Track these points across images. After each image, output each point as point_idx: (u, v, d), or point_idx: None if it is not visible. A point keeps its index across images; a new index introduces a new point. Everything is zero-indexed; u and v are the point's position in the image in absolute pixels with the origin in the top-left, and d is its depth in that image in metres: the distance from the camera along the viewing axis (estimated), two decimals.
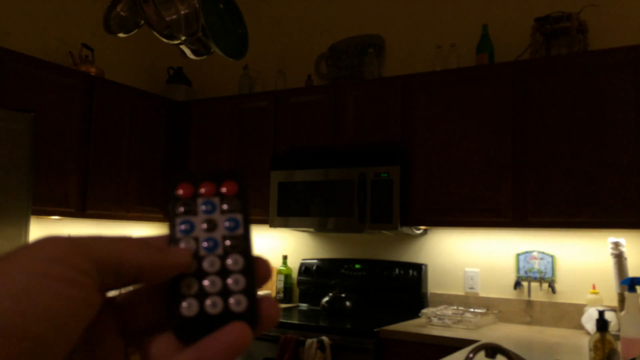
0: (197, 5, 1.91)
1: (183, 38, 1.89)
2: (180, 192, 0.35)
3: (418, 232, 3.34)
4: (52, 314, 0.27)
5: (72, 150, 3.29)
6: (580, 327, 2.86)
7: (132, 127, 3.66)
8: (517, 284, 3.11)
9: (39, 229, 3.39)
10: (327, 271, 3.55)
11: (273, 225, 3.42)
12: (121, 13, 2.00)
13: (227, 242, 0.34)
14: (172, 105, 3.95)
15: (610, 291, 2.82)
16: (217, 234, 0.34)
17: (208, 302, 0.32)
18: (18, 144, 2.72)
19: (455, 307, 3.14)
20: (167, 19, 1.86)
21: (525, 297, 3.10)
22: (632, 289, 1.88)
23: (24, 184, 2.74)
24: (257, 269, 0.34)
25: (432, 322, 2.89)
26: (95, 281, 0.30)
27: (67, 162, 3.26)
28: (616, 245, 2.68)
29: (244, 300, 0.32)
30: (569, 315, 2.98)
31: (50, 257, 0.29)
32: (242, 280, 0.33)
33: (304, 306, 3.60)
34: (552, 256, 3.05)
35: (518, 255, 3.14)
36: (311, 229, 3.48)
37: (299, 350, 2.81)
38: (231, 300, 0.32)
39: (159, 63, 4.27)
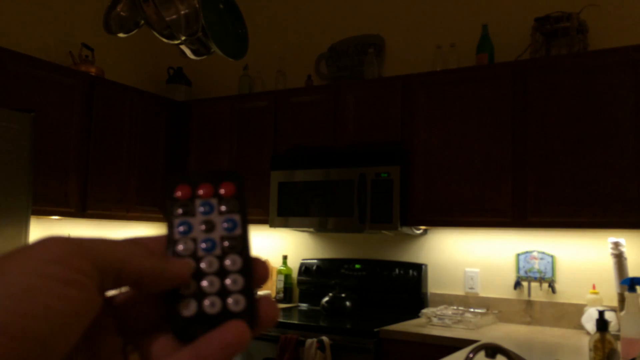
0: (197, 5, 1.91)
1: (183, 38, 1.89)
2: (179, 193, 0.35)
3: (418, 232, 3.34)
4: (53, 315, 0.28)
5: (72, 150, 3.29)
6: (580, 327, 2.86)
7: (132, 127, 3.66)
8: (517, 284, 3.11)
9: (39, 229, 3.39)
10: (327, 271, 3.55)
11: (273, 225, 3.42)
12: (121, 13, 2.00)
13: (225, 243, 0.34)
14: (172, 105, 3.95)
15: (610, 291, 2.82)
16: (215, 235, 0.34)
17: (206, 302, 0.32)
18: (18, 144, 2.72)
19: (455, 307, 3.14)
20: (167, 19, 1.86)
21: (525, 297, 3.10)
22: (632, 289, 1.88)
23: (24, 184, 2.74)
24: (255, 269, 0.34)
25: (432, 322, 2.89)
26: (96, 283, 0.30)
27: (67, 162, 3.26)
28: (616, 245, 2.68)
29: (242, 300, 0.33)
30: (569, 315, 2.98)
31: (52, 257, 0.29)
32: (240, 280, 0.33)
33: (304, 306, 3.60)
34: (552, 256, 3.05)
35: (518, 255, 3.14)
36: (311, 229, 3.48)
37: (299, 350, 2.81)
38: (229, 300, 0.33)
39: (159, 63, 4.27)
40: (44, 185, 3.10)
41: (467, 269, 3.28)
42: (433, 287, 3.37)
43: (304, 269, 3.64)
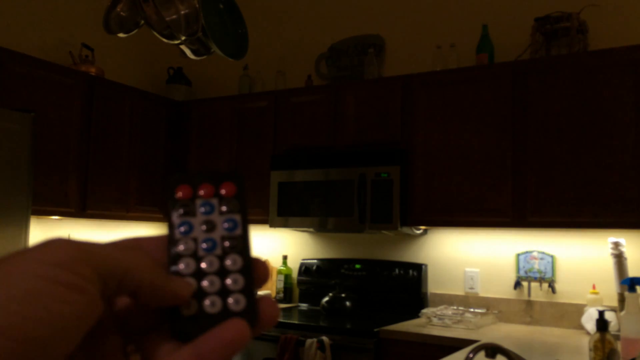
0: (197, 5, 1.91)
1: (183, 38, 1.89)
2: (179, 193, 0.35)
3: (418, 232, 3.34)
4: (56, 318, 0.28)
5: (72, 150, 3.29)
6: (580, 327, 2.86)
7: (132, 127, 3.66)
8: (517, 284, 3.11)
9: (39, 229, 3.39)
10: (327, 271, 3.55)
11: (273, 225, 3.42)
12: (121, 13, 2.00)
13: (226, 243, 0.34)
14: (172, 105, 3.95)
15: (610, 291, 2.82)
16: (216, 235, 0.34)
17: (207, 301, 0.33)
18: (18, 144, 2.72)
19: (455, 307, 3.14)
20: (167, 19, 1.86)
21: (525, 297, 3.10)
22: (632, 289, 1.88)
23: (24, 184, 2.74)
24: (255, 269, 0.34)
25: (432, 322, 2.89)
26: (98, 289, 0.30)
27: (67, 162, 3.26)
28: (616, 245, 2.68)
29: (242, 300, 0.33)
30: (569, 315, 2.98)
31: (55, 261, 0.29)
32: (240, 279, 0.33)
33: (304, 306, 3.60)
34: (552, 256, 3.05)
35: (518, 255, 3.14)
36: (311, 229, 3.48)
37: (299, 350, 2.81)
38: (230, 300, 0.33)
39: (159, 63, 4.27)
40: (44, 185, 3.10)
41: (467, 269, 3.28)
42: (433, 287, 3.37)
43: (304, 269, 3.64)
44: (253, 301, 0.33)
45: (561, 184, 2.78)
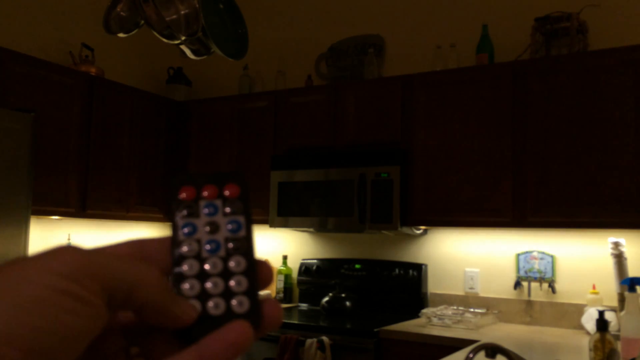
0: (197, 5, 1.91)
1: (183, 38, 1.89)
2: (183, 195, 0.35)
3: (418, 232, 3.34)
4: (62, 328, 0.27)
5: (72, 150, 3.29)
6: (580, 327, 2.86)
7: (132, 127, 3.66)
8: (517, 284, 3.11)
9: (39, 229, 3.39)
10: (327, 271, 3.55)
11: (273, 225, 3.42)
12: (121, 13, 2.00)
13: (230, 244, 0.34)
14: (172, 105, 3.95)
15: (610, 291, 2.82)
16: (220, 236, 0.34)
17: (210, 303, 0.33)
18: (18, 144, 2.72)
19: (455, 307, 3.14)
20: (167, 19, 1.86)
21: (525, 297, 3.11)
22: (632, 289, 1.88)
23: (24, 184, 2.74)
24: (259, 271, 0.34)
25: (432, 322, 2.89)
26: (104, 302, 0.30)
27: (67, 162, 3.26)
28: (616, 245, 2.68)
29: (246, 302, 0.33)
30: (569, 315, 2.98)
31: (64, 272, 0.28)
32: (244, 281, 0.33)
33: (304, 306, 3.60)
34: (552, 256, 3.06)
35: (518, 255, 3.14)
36: (311, 229, 3.48)
37: (299, 350, 2.81)
38: (233, 302, 0.33)
39: (159, 63, 4.27)
40: (44, 185, 3.10)
41: (467, 269, 3.28)
42: (433, 287, 3.37)
43: (304, 269, 3.64)
44: (257, 303, 0.33)
45: (561, 184, 2.78)
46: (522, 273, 3.11)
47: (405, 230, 3.20)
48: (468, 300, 3.24)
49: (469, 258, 3.29)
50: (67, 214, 3.28)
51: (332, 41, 3.84)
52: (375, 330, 2.78)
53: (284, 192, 3.39)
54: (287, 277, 3.71)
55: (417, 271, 3.31)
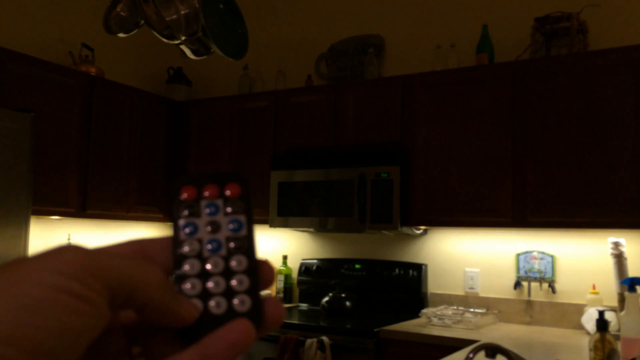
0: (197, 5, 1.91)
1: (183, 38, 1.89)
2: (184, 194, 0.35)
3: (418, 232, 3.34)
4: (65, 329, 0.27)
5: (72, 150, 3.29)
6: (580, 327, 2.86)
7: (132, 127, 3.66)
8: (517, 284, 3.11)
9: (39, 229, 3.39)
10: (327, 271, 3.55)
11: (273, 225, 3.42)
12: (121, 13, 2.00)
13: (231, 244, 0.34)
14: (172, 105, 3.95)
15: (610, 291, 2.82)
16: (221, 236, 0.34)
17: (212, 302, 0.33)
18: (18, 144, 2.72)
19: (455, 307, 3.14)
20: (167, 19, 1.86)
21: (525, 297, 3.11)
22: (632, 289, 1.88)
23: (24, 184, 2.74)
24: (261, 270, 0.34)
25: (432, 322, 2.89)
26: (107, 301, 0.30)
27: (67, 162, 3.26)
28: (616, 245, 2.68)
29: (248, 301, 0.33)
30: (569, 315, 2.98)
31: (67, 271, 0.28)
32: (246, 280, 0.33)
33: (304, 306, 3.60)
34: (552, 256, 3.06)
35: (518, 255, 3.14)
36: (311, 229, 3.48)
37: (299, 350, 2.81)
38: (235, 301, 0.33)
39: (159, 63, 4.27)
40: (44, 185, 3.10)
41: (467, 269, 3.28)
42: (433, 287, 3.37)
43: (304, 269, 3.64)
44: (258, 302, 0.33)
45: (561, 183, 2.78)
46: (522, 273, 3.11)
47: (405, 230, 3.20)
48: (468, 300, 3.24)
49: (469, 258, 3.29)
50: (67, 214, 3.28)
51: (332, 41, 3.84)
52: (375, 330, 2.78)
53: (284, 192, 3.39)
54: (287, 277, 3.71)
55: (417, 271, 3.31)
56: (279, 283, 3.70)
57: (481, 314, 2.97)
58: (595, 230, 2.91)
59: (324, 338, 2.77)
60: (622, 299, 2.55)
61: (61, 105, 3.23)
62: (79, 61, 3.49)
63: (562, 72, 2.83)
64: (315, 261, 3.62)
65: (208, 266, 0.33)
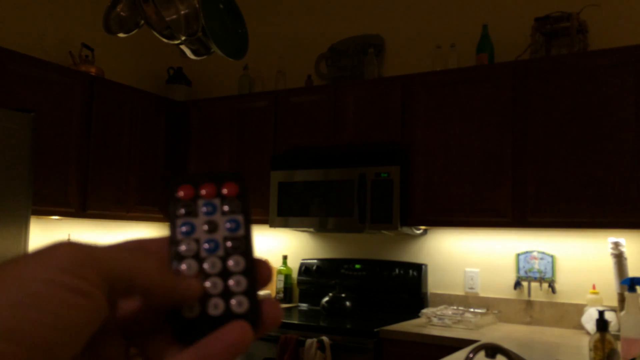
0: (197, 5, 1.91)
1: (183, 38, 1.89)
2: (181, 193, 0.35)
3: (418, 232, 3.34)
4: (64, 324, 0.27)
5: (72, 150, 3.29)
6: (580, 327, 2.86)
7: (132, 127, 3.66)
8: (517, 284, 3.11)
9: (39, 229, 3.39)
10: (327, 271, 3.55)
11: (273, 225, 3.42)
12: (121, 13, 2.00)
13: (228, 244, 0.34)
14: (172, 105, 3.95)
15: (610, 291, 2.82)
16: (218, 235, 0.34)
17: (209, 303, 0.32)
18: (18, 144, 2.72)
19: (455, 307, 3.14)
20: (167, 19, 1.86)
21: (525, 297, 3.10)
22: (632, 289, 1.88)
23: (24, 184, 2.74)
24: (258, 271, 0.34)
25: (432, 322, 2.89)
26: (105, 293, 0.30)
27: (67, 162, 3.26)
28: (616, 245, 2.68)
29: (245, 301, 0.32)
30: (569, 315, 2.98)
31: (64, 266, 0.28)
32: (243, 281, 0.33)
33: (304, 306, 3.60)
34: (552, 256, 3.05)
35: (518, 255, 3.14)
36: (311, 229, 3.48)
37: (299, 350, 2.81)
38: (233, 302, 0.32)
39: (159, 63, 4.27)
40: (44, 185, 3.10)
41: (467, 269, 3.28)
42: (433, 287, 3.37)
43: (304, 269, 3.64)
44: (256, 303, 0.33)
45: (561, 183, 2.78)
46: (522, 273, 3.11)
47: (405, 230, 3.20)
48: (468, 300, 3.24)
49: (469, 258, 3.29)
50: (67, 214, 3.28)
51: (332, 41, 3.84)
52: (375, 330, 2.78)
53: (284, 192, 3.39)
54: (287, 277, 3.71)
55: (417, 271, 3.31)
56: (279, 283, 3.70)
57: (481, 314, 2.97)
58: (595, 230, 2.91)
59: (324, 338, 2.77)
60: (622, 299, 2.55)
61: (61, 105, 3.23)
62: (79, 61, 3.49)
63: (562, 72, 2.83)
64: (315, 261, 3.62)
65: (205, 266, 0.33)
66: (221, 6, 2.08)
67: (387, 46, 3.69)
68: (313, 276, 3.59)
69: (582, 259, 3.00)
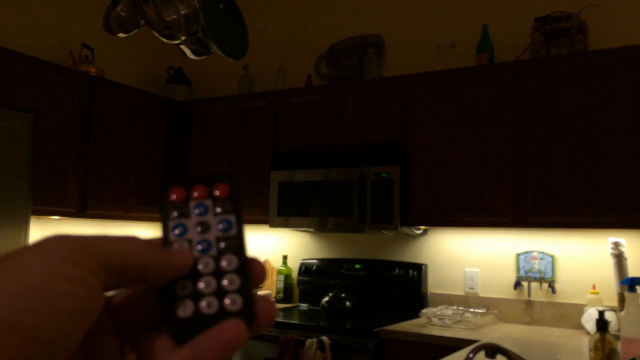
0: (197, 5, 1.91)
1: (183, 38, 1.89)
2: (173, 196, 0.35)
3: (418, 232, 3.34)
4: (64, 314, 0.28)
5: (72, 150, 3.29)
6: (580, 327, 2.86)
7: (132, 127, 3.66)
8: (517, 284, 3.11)
9: (39, 229, 3.39)
10: (327, 271, 3.55)
11: (273, 225, 3.42)
12: (121, 13, 2.00)
13: (221, 244, 0.34)
14: (172, 105, 3.95)
15: (610, 291, 2.82)
16: (211, 236, 0.34)
17: (203, 302, 0.33)
18: (18, 144, 2.72)
19: (455, 307, 3.14)
20: (167, 19, 1.86)
21: (525, 297, 3.10)
22: (632, 289, 1.88)
23: (24, 184, 2.74)
24: (252, 269, 0.34)
25: (432, 322, 2.89)
26: (102, 280, 0.30)
27: (67, 162, 3.26)
28: (616, 245, 2.68)
29: (239, 300, 0.33)
30: (569, 315, 2.97)
31: (59, 256, 0.29)
32: (236, 279, 0.33)
33: (304, 306, 3.60)
34: (552, 256, 3.05)
35: (518, 255, 3.14)
36: (311, 229, 3.48)
37: (299, 350, 2.81)
38: (226, 300, 0.33)
39: (159, 63, 4.27)
40: (44, 185, 3.10)
41: (467, 269, 3.28)
42: (433, 287, 3.37)
43: (304, 269, 3.64)
44: (250, 301, 0.33)
45: (561, 183, 2.78)
46: (522, 273, 3.11)
47: (405, 230, 3.20)
48: (468, 300, 3.24)
49: (469, 258, 3.29)
50: (67, 214, 3.28)
51: (332, 41, 3.84)
52: (375, 330, 2.78)
53: (284, 192, 3.39)
54: (287, 277, 3.71)
55: (417, 271, 3.31)
56: (279, 283, 3.70)
57: (481, 314, 2.97)
58: (595, 230, 2.91)
59: (324, 338, 2.77)
60: (622, 299, 2.55)
61: (61, 105, 3.24)
62: (79, 61, 3.49)
63: (562, 72, 2.83)
64: (315, 261, 3.62)
65: (198, 266, 0.33)
66: (221, 6, 2.07)
67: (387, 46, 3.69)
68: (313, 276, 3.59)
69: (582, 259, 3.00)
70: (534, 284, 3.09)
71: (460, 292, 3.30)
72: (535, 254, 3.09)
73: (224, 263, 0.34)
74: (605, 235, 2.87)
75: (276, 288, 3.70)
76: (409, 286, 3.30)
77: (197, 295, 0.33)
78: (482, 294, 3.23)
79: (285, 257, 3.74)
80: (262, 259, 3.77)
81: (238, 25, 2.12)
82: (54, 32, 3.61)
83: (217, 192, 0.35)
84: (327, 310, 3.23)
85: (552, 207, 2.79)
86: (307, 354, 2.75)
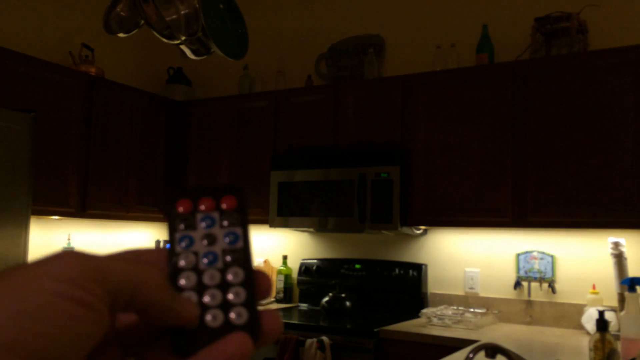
0: (197, 5, 1.91)
1: (183, 38, 1.89)
2: (180, 208, 0.35)
3: (418, 232, 3.34)
4: (67, 336, 0.27)
5: (72, 150, 3.29)
6: (580, 327, 2.86)
7: (132, 127, 3.66)
8: (517, 284, 3.11)
9: (39, 229, 3.39)
10: (327, 271, 3.55)
11: (273, 225, 3.42)
12: (121, 13, 2.00)
13: (227, 256, 0.34)
14: (172, 105, 3.95)
15: (610, 291, 2.82)
16: (217, 248, 0.34)
17: (209, 315, 0.32)
18: (18, 144, 2.72)
19: (455, 307, 3.14)
20: (167, 19, 1.86)
21: (525, 297, 3.10)
22: (632, 289, 1.88)
23: (24, 184, 2.74)
24: (257, 282, 0.34)
25: (432, 322, 2.89)
26: (107, 305, 0.29)
27: (67, 162, 3.26)
28: (616, 245, 2.68)
29: (244, 313, 0.33)
30: (569, 315, 2.98)
31: (65, 277, 0.28)
32: (242, 293, 0.33)
33: (304, 306, 3.60)
34: (552, 256, 3.05)
35: (518, 255, 3.14)
36: (311, 229, 3.48)
37: (299, 350, 2.81)
38: (232, 314, 0.33)
39: (159, 63, 4.27)
40: (44, 185, 3.10)
41: (467, 269, 3.28)
42: (433, 287, 3.37)
43: (304, 269, 3.64)
44: (255, 314, 0.33)
45: (561, 183, 2.78)
46: (522, 273, 3.11)
47: (405, 230, 3.20)
48: (468, 300, 3.24)
49: (469, 258, 3.29)
50: (67, 214, 3.28)
51: (332, 41, 3.84)
52: (375, 330, 2.78)
53: (284, 192, 3.39)
54: (287, 277, 3.71)
55: (417, 271, 3.31)
56: (279, 283, 3.70)
57: (481, 314, 2.97)
58: (595, 230, 2.91)
59: (324, 338, 2.77)
60: (622, 299, 2.55)
61: (61, 105, 3.23)
62: (79, 61, 3.49)
63: (562, 72, 2.83)
64: (315, 261, 3.62)
65: (204, 279, 0.33)
66: (221, 6, 2.07)
67: (387, 46, 3.69)
68: (313, 276, 3.59)
69: (582, 259, 3.00)
70: (534, 284, 3.09)
71: (460, 292, 3.30)
72: (535, 254, 3.09)
73: (229, 276, 0.33)
74: (605, 235, 2.87)
75: (276, 288, 3.70)
76: (409, 286, 3.30)
77: (202, 308, 0.33)
78: (482, 294, 3.23)
79: (285, 257, 3.74)
80: (262, 259, 3.77)
81: (238, 25, 2.12)
82: (54, 32, 3.61)
83: (224, 205, 0.35)
84: (327, 310, 3.23)
85: (552, 207, 2.79)
86: (307, 354, 2.76)
